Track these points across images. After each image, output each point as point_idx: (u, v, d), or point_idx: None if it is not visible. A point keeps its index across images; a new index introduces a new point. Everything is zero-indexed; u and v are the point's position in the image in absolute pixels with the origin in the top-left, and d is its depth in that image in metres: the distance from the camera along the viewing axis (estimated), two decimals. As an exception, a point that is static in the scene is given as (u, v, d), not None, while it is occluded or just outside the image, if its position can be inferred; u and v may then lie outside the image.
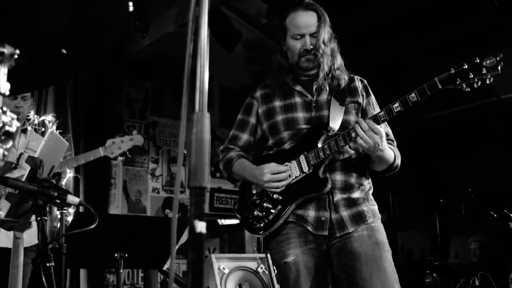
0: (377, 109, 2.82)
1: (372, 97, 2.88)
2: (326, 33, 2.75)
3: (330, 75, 2.77)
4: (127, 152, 3.87)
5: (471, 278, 6.48)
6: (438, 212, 9.15)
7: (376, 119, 2.51)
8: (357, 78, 2.89)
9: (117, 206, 6.80)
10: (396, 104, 2.47)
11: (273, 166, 2.67)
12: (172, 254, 1.21)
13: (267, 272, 4.58)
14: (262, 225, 2.70)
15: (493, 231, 6.80)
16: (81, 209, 3.06)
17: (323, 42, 2.73)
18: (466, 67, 2.33)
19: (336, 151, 2.59)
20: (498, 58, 2.27)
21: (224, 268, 4.39)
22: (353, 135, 2.52)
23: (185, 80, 1.19)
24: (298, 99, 2.78)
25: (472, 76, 2.33)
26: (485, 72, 2.31)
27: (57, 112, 5.87)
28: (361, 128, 2.46)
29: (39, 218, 1.89)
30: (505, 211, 3.88)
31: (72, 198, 1.97)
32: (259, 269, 4.58)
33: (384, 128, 2.61)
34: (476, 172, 8.51)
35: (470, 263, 7.19)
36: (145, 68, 7.36)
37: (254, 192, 2.79)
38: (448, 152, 9.17)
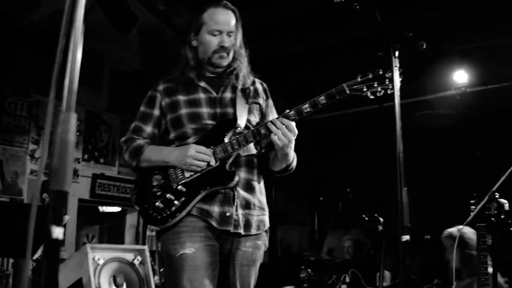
0: (275, 113, 2.93)
1: (271, 100, 2.98)
2: (240, 35, 2.85)
3: (235, 75, 2.85)
4: None
5: (342, 275, 6.80)
6: (317, 208, 9.56)
7: (286, 117, 2.56)
8: (258, 81, 2.97)
9: (-11, 187, 6.39)
10: (306, 105, 2.54)
11: (198, 146, 2.64)
12: (29, 241, 1.17)
13: (143, 264, 4.52)
14: (163, 216, 2.64)
15: (366, 230, 7.19)
16: None
17: (239, 44, 2.84)
18: (370, 76, 2.50)
19: (244, 146, 2.63)
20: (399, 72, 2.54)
21: (99, 259, 4.27)
22: (262, 131, 2.58)
23: (54, 75, 1.13)
24: (202, 95, 2.79)
25: (376, 85, 2.50)
26: (387, 82, 2.50)
27: None
28: (276, 126, 2.52)
29: None
30: (375, 215, 4.11)
31: None
32: (135, 261, 4.51)
33: None
34: (358, 173, 8.95)
35: (343, 260, 7.58)
36: (36, 42, 6.91)
37: (155, 184, 2.72)
38: (332, 151, 9.57)
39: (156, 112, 2.85)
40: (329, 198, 9.41)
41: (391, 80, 2.49)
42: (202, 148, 2.63)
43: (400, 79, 2.48)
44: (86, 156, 7.39)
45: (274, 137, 2.53)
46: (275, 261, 8.71)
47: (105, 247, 4.56)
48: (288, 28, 6.72)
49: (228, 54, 2.80)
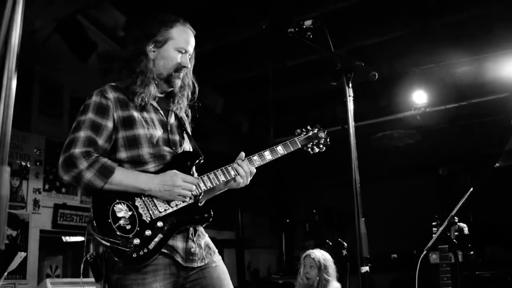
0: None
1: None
2: (193, 62, 2.76)
3: (180, 100, 2.72)
4: None
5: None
6: (284, 231, 9.53)
7: (251, 162, 2.65)
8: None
9: None
10: (267, 152, 2.70)
11: (185, 175, 2.48)
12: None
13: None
14: (140, 255, 2.32)
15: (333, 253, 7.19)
16: None
17: (191, 70, 2.76)
18: (311, 134, 2.87)
19: (216, 185, 2.58)
20: (326, 133, 2.92)
21: (59, 294, 4.16)
22: (232, 173, 2.58)
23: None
24: (154, 116, 2.58)
25: (314, 143, 2.88)
26: (321, 144, 2.90)
27: None
28: (244, 170, 2.60)
29: None
30: (339, 239, 4.11)
31: None
32: (97, 294, 4.40)
33: None
34: (324, 195, 8.98)
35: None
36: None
37: (120, 215, 2.36)
38: (298, 175, 9.57)
39: (110, 124, 2.48)
40: (296, 220, 9.41)
41: (326, 141, 2.90)
42: (189, 178, 2.48)
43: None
44: (47, 186, 7.22)
45: (240, 180, 2.60)
46: (243, 285, 8.64)
47: (66, 281, 4.45)
48: (248, 52, 6.77)
49: (183, 76, 2.68)
